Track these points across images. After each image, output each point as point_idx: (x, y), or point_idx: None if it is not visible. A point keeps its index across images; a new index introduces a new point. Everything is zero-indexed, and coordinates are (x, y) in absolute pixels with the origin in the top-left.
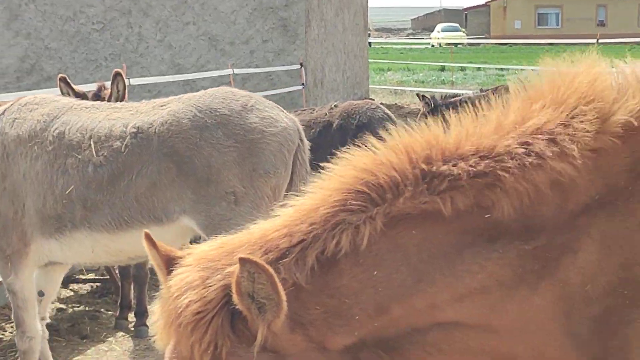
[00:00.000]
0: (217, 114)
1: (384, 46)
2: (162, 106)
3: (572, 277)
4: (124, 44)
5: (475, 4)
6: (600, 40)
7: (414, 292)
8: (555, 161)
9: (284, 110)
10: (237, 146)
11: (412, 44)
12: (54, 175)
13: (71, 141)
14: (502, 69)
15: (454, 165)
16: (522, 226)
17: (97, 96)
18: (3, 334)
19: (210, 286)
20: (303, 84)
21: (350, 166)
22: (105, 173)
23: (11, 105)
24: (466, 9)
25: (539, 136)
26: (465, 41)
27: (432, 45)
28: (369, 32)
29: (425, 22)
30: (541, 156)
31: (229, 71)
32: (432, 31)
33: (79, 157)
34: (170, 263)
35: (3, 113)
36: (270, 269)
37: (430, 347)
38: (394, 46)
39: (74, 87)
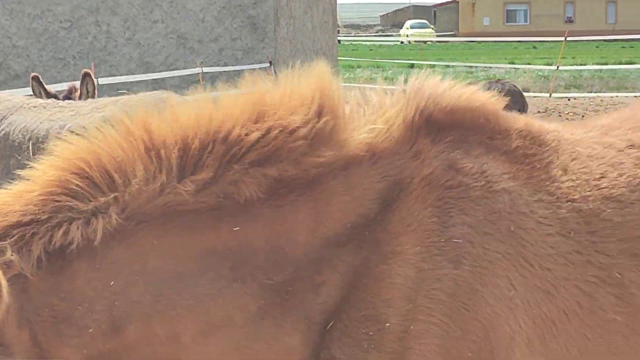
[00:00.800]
0: None
1: (353, 43)
2: (99, 109)
3: (315, 314)
4: (92, 42)
5: (444, 1)
6: (568, 38)
7: (153, 313)
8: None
9: None
10: None
11: (381, 41)
12: (0, 176)
13: (14, 142)
14: (470, 67)
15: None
16: (269, 255)
17: (68, 97)
18: None
19: None
20: None
21: (74, 149)
22: None
23: None
24: (435, 6)
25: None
26: (434, 39)
27: (402, 42)
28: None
29: (395, 19)
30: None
31: (197, 70)
32: (401, 28)
33: (19, 158)
34: None
35: None
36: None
37: None
38: (364, 43)
39: (46, 87)
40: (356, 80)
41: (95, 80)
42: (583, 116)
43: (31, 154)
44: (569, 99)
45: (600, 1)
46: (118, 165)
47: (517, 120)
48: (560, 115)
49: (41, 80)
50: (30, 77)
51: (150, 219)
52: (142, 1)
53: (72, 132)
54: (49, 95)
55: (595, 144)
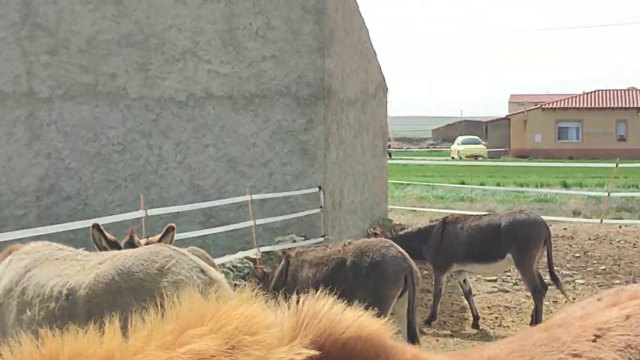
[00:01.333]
0: (133, 277)
1: (404, 157)
2: (100, 264)
3: None
4: (143, 165)
5: (496, 117)
6: (620, 159)
7: None
8: None
9: (209, 268)
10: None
11: (432, 156)
12: (16, 330)
13: (28, 296)
14: (522, 185)
15: None
16: None
17: (130, 244)
18: None
19: None
20: (321, 206)
21: None
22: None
23: (15, 252)
24: (487, 122)
25: None
26: (485, 155)
27: (452, 157)
28: (389, 142)
29: (446, 133)
30: None
31: (247, 197)
32: (452, 142)
33: (29, 314)
34: None
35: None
36: None
37: None
38: (414, 157)
39: (107, 235)
40: (407, 198)
41: (145, 210)
42: (634, 245)
43: (36, 312)
44: (620, 226)
45: None
46: None
47: (405, 351)
48: (611, 243)
49: (101, 228)
50: (91, 225)
51: None
52: (194, 126)
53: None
54: (109, 242)
55: None
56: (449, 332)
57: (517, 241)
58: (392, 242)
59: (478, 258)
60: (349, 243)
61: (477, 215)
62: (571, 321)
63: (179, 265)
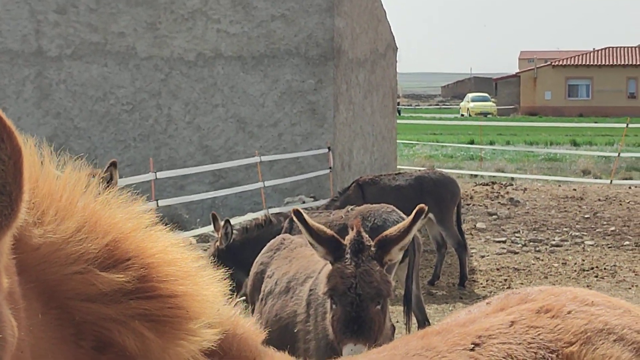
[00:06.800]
0: None
1: (413, 115)
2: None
3: None
4: (152, 125)
5: (505, 74)
6: (631, 117)
7: None
8: None
9: None
10: None
11: (441, 113)
12: None
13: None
14: (531, 144)
15: None
16: None
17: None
18: None
19: None
20: (330, 167)
21: None
22: None
23: None
24: (496, 78)
25: None
26: (495, 112)
27: (462, 115)
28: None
29: (455, 90)
30: None
31: (256, 159)
32: (461, 99)
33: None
34: None
35: None
36: (21, 143)
37: None
38: (424, 114)
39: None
40: (416, 157)
41: (154, 173)
42: None
43: None
44: (630, 187)
45: None
46: None
47: (274, 357)
48: (621, 204)
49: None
50: (109, 162)
51: None
52: (203, 86)
53: None
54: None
55: None
56: (457, 294)
57: (439, 199)
58: (393, 207)
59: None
60: (352, 209)
61: (389, 174)
62: (452, 328)
63: None
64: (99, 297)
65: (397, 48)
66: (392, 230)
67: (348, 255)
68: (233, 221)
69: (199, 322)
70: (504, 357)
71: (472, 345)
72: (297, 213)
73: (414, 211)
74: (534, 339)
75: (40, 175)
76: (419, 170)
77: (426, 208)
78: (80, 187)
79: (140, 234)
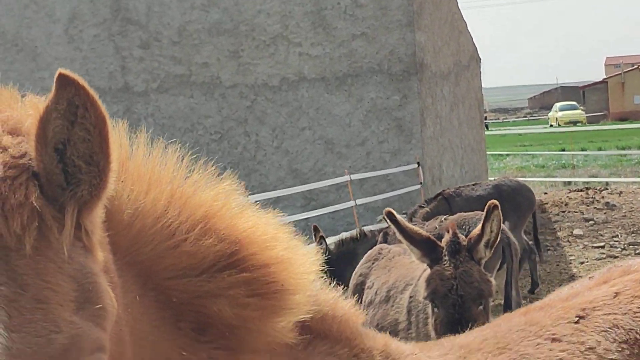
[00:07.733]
0: None
1: (502, 128)
2: None
3: None
4: (241, 152)
5: (592, 81)
6: None
7: None
8: None
9: None
10: None
11: (530, 124)
12: None
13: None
14: (623, 148)
15: None
16: None
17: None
18: None
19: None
20: (421, 182)
21: None
22: None
23: None
24: (583, 86)
25: None
26: (584, 120)
27: (551, 125)
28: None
29: (542, 101)
30: None
31: (346, 178)
32: (549, 110)
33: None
34: None
35: None
36: (105, 113)
37: None
38: (512, 127)
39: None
40: (507, 169)
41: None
42: None
43: None
44: None
45: None
46: None
47: (377, 339)
48: None
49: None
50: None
51: None
52: (289, 110)
53: None
54: None
55: None
56: None
57: (516, 206)
58: None
59: None
60: (445, 219)
61: (467, 185)
62: (554, 303)
63: None
64: (194, 272)
65: (480, 59)
66: (473, 231)
67: (446, 257)
68: (327, 241)
69: (293, 294)
70: (609, 328)
71: (577, 318)
72: (390, 214)
73: (486, 207)
74: (639, 308)
75: (129, 155)
76: (495, 179)
77: (497, 203)
78: (169, 168)
79: (230, 211)
